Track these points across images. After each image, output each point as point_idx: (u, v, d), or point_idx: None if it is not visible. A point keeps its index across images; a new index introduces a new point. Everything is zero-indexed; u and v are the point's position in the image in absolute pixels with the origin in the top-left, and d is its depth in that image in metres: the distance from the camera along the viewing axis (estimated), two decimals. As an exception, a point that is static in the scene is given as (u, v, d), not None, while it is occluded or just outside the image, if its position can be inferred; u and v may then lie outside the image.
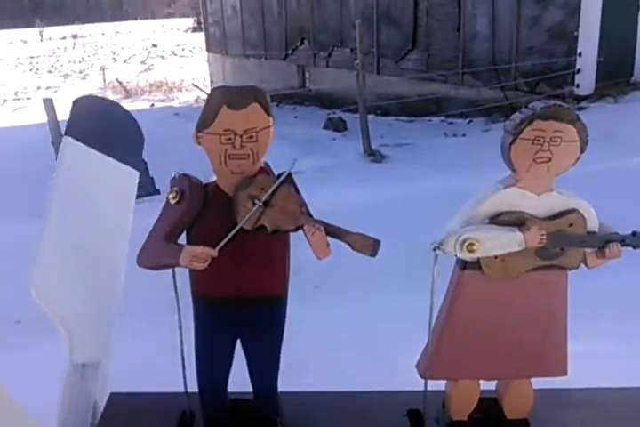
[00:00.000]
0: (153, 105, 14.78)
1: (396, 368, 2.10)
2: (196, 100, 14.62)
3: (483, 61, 9.99)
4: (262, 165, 1.59)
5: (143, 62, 24.89)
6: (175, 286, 1.62)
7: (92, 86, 18.78)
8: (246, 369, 1.72)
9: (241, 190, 1.52)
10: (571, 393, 1.89)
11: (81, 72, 23.56)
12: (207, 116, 1.51)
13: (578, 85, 8.94)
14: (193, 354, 1.69)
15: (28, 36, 39.78)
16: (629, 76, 9.45)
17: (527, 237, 1.53)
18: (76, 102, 2.00)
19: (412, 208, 4.91)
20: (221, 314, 1.63)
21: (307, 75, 13.75)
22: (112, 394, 1.90)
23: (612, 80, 9.08)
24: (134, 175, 2.10)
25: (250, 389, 1.74)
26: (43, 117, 6.18)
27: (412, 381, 1.74)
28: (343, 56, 12.28)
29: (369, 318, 3.16)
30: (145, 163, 6.60)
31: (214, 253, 1.47)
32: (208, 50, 17.82)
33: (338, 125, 9.92)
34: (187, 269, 1.61)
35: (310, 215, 1.57)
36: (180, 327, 1.66)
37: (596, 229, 1.61)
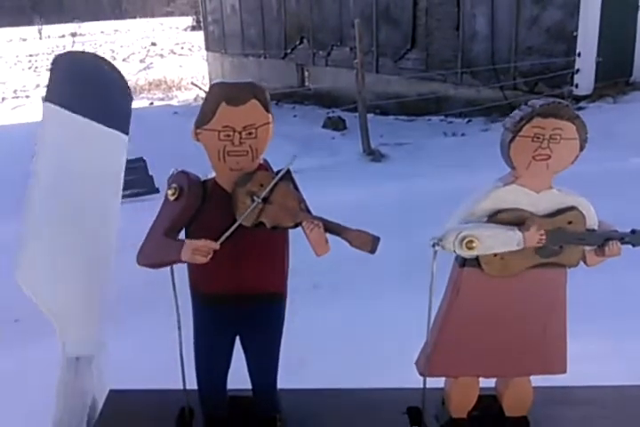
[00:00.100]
0: (152, 104, 14.78)
1: (395, 366, 2.09)
2: (195, 99, 14.59)
3: (482, 61, 9.99)
4: (261, 161, 1.59)
5: (142, 61, 24.85)
6: (173, 284, 1.62)
7: (91, 85, 18.71)
8: (245, 366, 1.71)
9: (240, 187, 1.52)
10: (570, 391, 1.89)
11: (80, 71, 23.47)
12: (206, 113, 1.50)
13: (577, 85, 8.94)
14: (192, 351, 1.69)
15: (27, 34, 39.70)
16: (628, 76, 9.45)
17: (526, 237, 1.53)
18: (55, 61, 1.80)
19: (412, 207, 4.91)
20: (221, 311, 1.63)
21: (306, 74, 13.74)
22: (111, 391, 1.90)
23: (611, 80, 9.08)
24: (122, 139, 1.90)
25: (249, 386, 1.74)
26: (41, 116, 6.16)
27: (411, 378, 1.74)
28: (342, 55, 12.27)
29: (368, 317, 3.15)
30: (144, 162, 6.63)
31: (216, 245, 1.47)
32: (207, 48, 17.80)
33: (337, 124, 9.92)
34: (185, 268, 1.61)
35: (309, 212, 1.57)
36: (179, 325, 1.66)
37: (596, 227, 1.61)
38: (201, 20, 19.02)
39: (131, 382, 1.88)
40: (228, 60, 16.53)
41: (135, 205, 5.19)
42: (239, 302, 1.61)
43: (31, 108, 13.83)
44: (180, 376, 1.70)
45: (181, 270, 1.62)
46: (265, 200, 1.52)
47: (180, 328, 1.67)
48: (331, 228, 1.54)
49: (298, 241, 1.60)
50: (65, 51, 1.89)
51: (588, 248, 1.61)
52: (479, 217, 1.57)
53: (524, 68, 9.41)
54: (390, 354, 2.52)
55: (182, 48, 28.89)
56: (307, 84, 13.62)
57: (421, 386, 1.72)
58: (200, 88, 12.57)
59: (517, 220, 1.56)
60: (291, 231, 1.60)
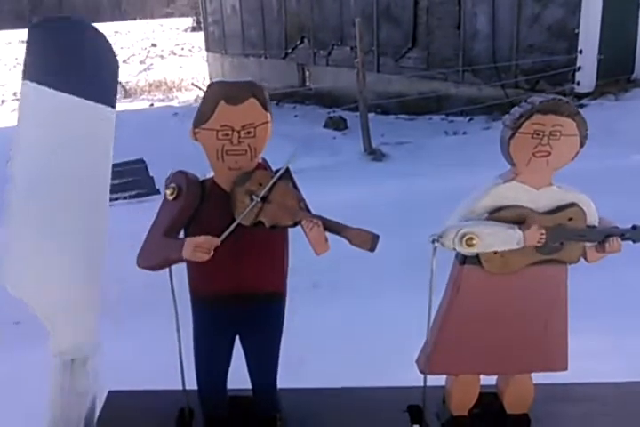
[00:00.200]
0: (152, 105, 14.80)
1: (395, 364, 2.09)
2: (196, 100, 14.60)
3: (483, 59, 9.98)
4: (260, 160, 1.58)
5: (142, 62, 24.88)
6: (172, 284, 1.62)
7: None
8: (245, 365, 1.71)
9: (238, 186, 1.51)
10: (571, 388, 1.89)
11: (81, 72, 23.51)
12: (204, 112, 1.50)
13: (578, 83, 8.94)
14: (191, 352, 1.69)
15: (26, 36, 39.77)
16: (630, 73, 9.44)
17: (527, 235, 1.53)
18: (30, 32, 1.62)
19: (412, 207, 4.91)
20: (220, 311, 1.62)
21: (307, 73, 13.75)
22: (110, 392, 1.89)
23: (613, 77, 9.07)
24: (110, 114, 1.75)
25: (249, 385, 1.73)
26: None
27: (411, 377, 1.73)
28: (343, 54, 12.27)
29: (367, 316, 3.15)
30: (144, 163, 6.63)
31: (217, 241, 1.46)
32: (207, 49, 17.82)
33: (338, 124, 9.92)
34: (184, 270, 1.60)
35: (308, 211, 1.57)
36: (178, 325, 1.66)
37: (596, 224, 1.60)
38: (201, 20, 19.03)
39: (130, 383, 1.88)
40: (229, 60, 16.54)
41: (136, 206, 5.20)
42: (238, 301, 1.60)
43: (32, 109, 13.81)
44: (179, 377, 1.70)
45: (181, 272, 1.61)
46: (264, 199, 1.51)
47: (178, 329, 1.66)
48: (330, 226, 1.54)
49: (297, 240, 1.60)
50: (40, 19, 1.68)
51: (588, 245, 1.60)
52: (479, 214, 1.57)
53: (526, 66, 9.40)
54: (390, 353, 2.52)
55: (182, 49, 28.93)
56: (307, 83, 13.63)
57: (422, 384, 1.71)
58: (201, 89, 12.58)
59: (518, 217, 1.55)
60: (290, 230, 1.59)
